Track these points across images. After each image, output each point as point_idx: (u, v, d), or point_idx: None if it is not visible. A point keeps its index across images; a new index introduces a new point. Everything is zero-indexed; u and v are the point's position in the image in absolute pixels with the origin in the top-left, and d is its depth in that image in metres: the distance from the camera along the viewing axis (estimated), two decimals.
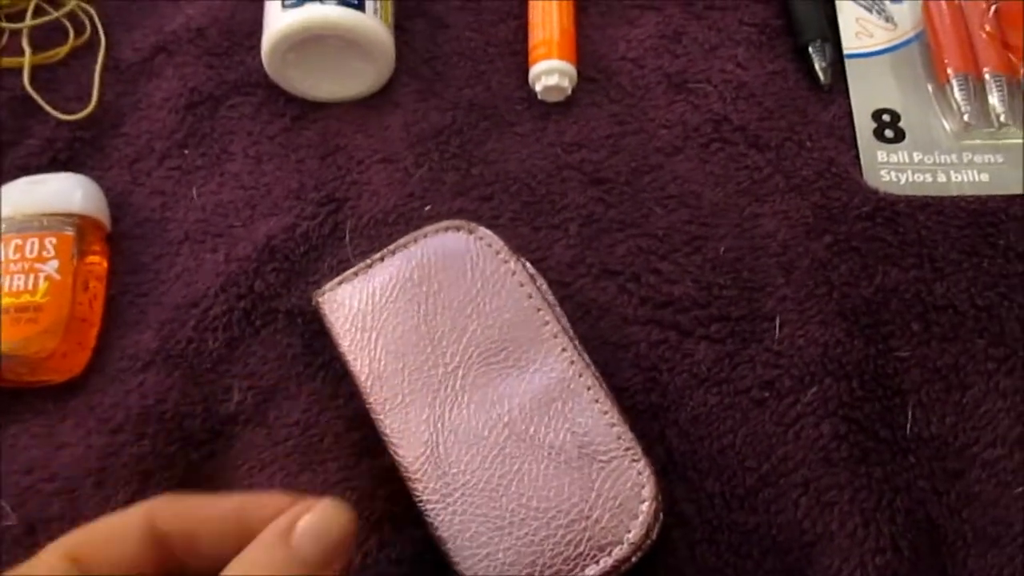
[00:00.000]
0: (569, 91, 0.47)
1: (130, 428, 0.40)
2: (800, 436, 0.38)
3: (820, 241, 0.42)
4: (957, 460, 0.38)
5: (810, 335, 0.40)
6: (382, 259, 0.40)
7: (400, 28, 0.50)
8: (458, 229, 0.40)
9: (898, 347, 0.40)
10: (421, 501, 0.36)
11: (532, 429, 0.36)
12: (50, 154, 0.47)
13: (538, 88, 0.47)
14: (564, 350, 0.38)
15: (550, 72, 0.46)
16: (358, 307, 0.39)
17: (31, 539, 0.38)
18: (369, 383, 0.38)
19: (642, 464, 0.35)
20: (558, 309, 0.40)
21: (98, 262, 0.44)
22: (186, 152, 0.47)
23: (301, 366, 0.41)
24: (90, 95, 0.48)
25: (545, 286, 0.40)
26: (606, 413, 0.36)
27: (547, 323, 0.38)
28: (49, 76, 0.50)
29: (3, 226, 0.43)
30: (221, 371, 0.41)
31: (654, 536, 0.35)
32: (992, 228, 0.42)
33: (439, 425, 0.37)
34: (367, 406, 0.38)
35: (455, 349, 0.38)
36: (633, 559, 0.35)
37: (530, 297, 0.39)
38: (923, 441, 0.38)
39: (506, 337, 0.38)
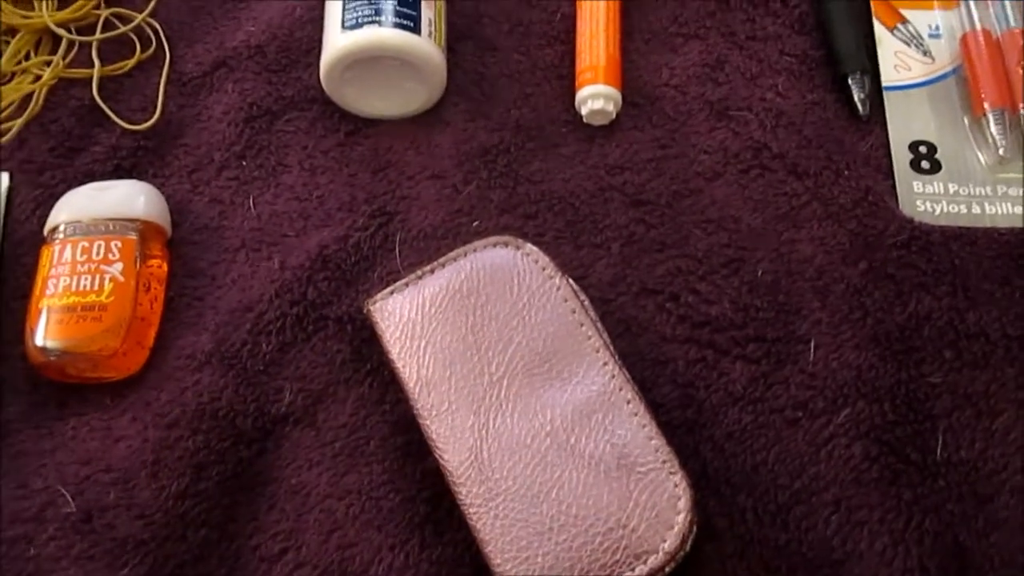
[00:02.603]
0: (613, 115, 0.48)
1: (185, 424, 0.41)
2: (832, 456, 0.39)
3: (855, 267, 0.43)
4: (986, 485, 0.39)
5: (844, 358, 0.41)
6: (432, 271, 0.42)
7: (451, 50, 0.52)
8: (506, 245, 0.42)
9: (930, 373, 0.41)
10: (464, 504, 0.37)
11: (573, 439, 0.38)
12: (114, 162, 0.50)
13: (584, 111, 0.48)
14: (605, 364, 0.39)
15: (596, 96, 0.48)
16: (408, 316, 0.41)
17: (88, 526, 0.39)
18: (417, 389, 0.40)
19: (679, 476, 0.36)
20: (599, 325, 0.41)
21: (159, 265, 0.46)
22: (244, 163, 0.49)
23: (350, 371, 0.43)
24: (154, 106, 0.51)
25: (587, 302, 0.42)
26: (644, 426, 0.38)
27: (589, 338, 0.40)
28: (115, 87, 0.52)
29: (70, 229, 0.45)
30: (273, 373, 0.43)
31: (688, 547, 0.36)
32: None
33: (483, 432, 0.38)
34: (414, 411, 0.39)
35: (500, 360, 0.39)
36: (667, 569, 0.36)
37: (573, 312, 0.40)
38: (953, 465, 0.39)
39: (549, 349, 0.39)
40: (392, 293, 0.42)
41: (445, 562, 0.39)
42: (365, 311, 0.42)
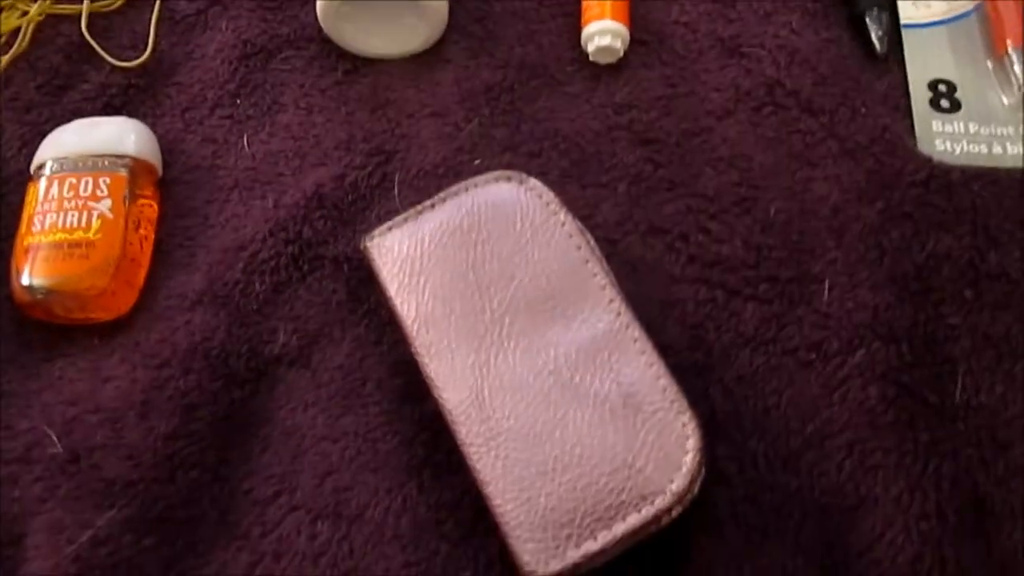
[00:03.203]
0: (621, 53, 0.47)
1: (176, 364, 0.40)
2: (846, 399, 0.38)
3: (872, 206, 0.42)
4: (1006, 430, 0.37)
5: (859, 299, 0.40)
6: (432, 206, 0.40)
7: None
8: (509, 180, 0.40)
9: (949, 314, 0.39)
10: (464, 445, 0.36)
11: (577, 378, 0.36)
12: (104, 100, 0.48)
13: (590, 49, 0.47)
14: (612, 301, 0.37)
15: (603, 33, 0.46)
16: (407, 252, 0.39)
17: (74, 467, 0.38)
18: (416, 327, 0.38)
19: (687, 416, 0.35)
20: (605, 263, 0.39)
21: (149, 205, 0.44)
22: (238, 102, 0.48)
23: (346, 312, 0.42)
24: (145, 44, 0.49)
25: (592, 241, 0.40)
26: (652, 365, 0.36)
27: (595, 275, 0.38)
28: (105, 24, 0.50)
29: (56, 166, 0.43)
30: (267, 313, 0.42)
31: (696, 489, 0.35)
32: None
33: (484, 370, 0.37)
34: (412, 350, 0.38)
35: (503, 297, 0.38)
36: (674, 512, 0.34)
37: (579, 249, 0.39)
38: (972, 409, 0.38)
39: (554, 287, 0.38)
40: (390, 229, 0.40)
41: (444, 506, 0.37)
42: (362, 248, 0.40)
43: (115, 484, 0.38)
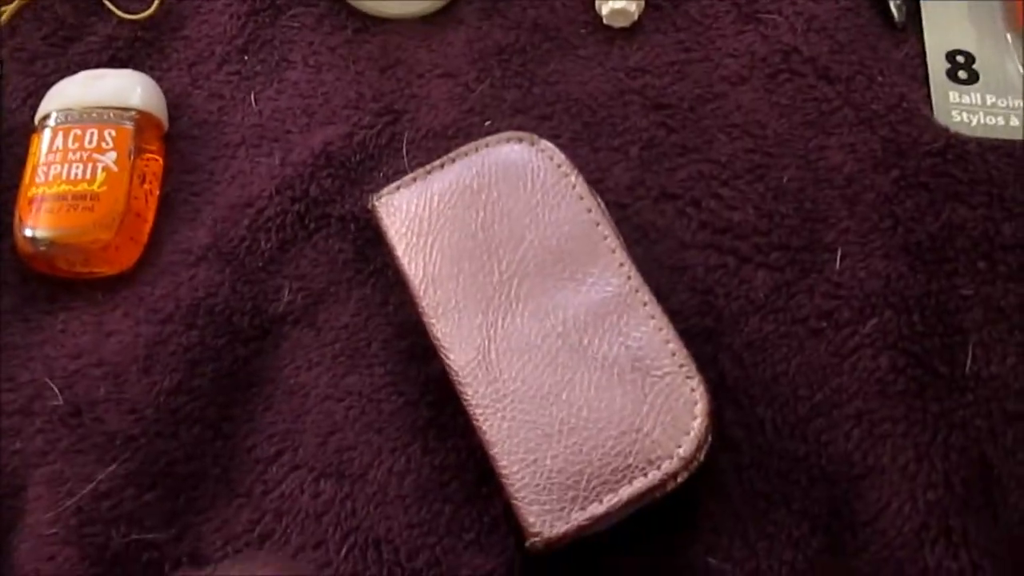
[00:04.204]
0: (635, 16, 0.46)
1: (179, 319, 0.40)
2: (856, 367, 0.38)
3: (887, 175, 0.41)
4: (1016, 401, 0.37)
5: (872, 268, 0.39)
6: (442, 166, 0.40)
7: None
8: (520, 140, 0.40)
9: (962, 284, 0.39)
10: (469, 406, 0.35)
11: (586, 340, 0.36)
12: (110, 52, 0.47)
13: (604, 12, 0.46)
14: (622, 265, 0.37)
15: None
16: (415, 212, 0.39)
17: (76, 420, 0.38)
18: (423, 287, 0.38)
19: (696, 381, 0.35)
20: (616, 227, 0.39)
21: (154, 159, 0.44)
22: (246, 58, 0.47)
23: (352, 271, 0.41)
24: None
25: (603, 204, 0.40)
26: (661, 329, 0.36)
27: (606, 237, 0.38)
28: None
29: (61, 117, 0.43)
30: (272, 271, 0.41)
31: (703, 456, 0.35)
32: None
33: (492, 332, 0.36)
34: (419, 310, 0.37)
35: (512, 258, 0.38)
36: (680, 478, 0.34)
37: (589, 211, 0.38)
38: (982, 380, 0.37)
39: (563, 248, 0.37)
40: (399, 188, 0.40)
41: (448, 467, 0.37)
42: (370, 207, 0.40)
43: (117, 438, 0.37)
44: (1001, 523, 0.35)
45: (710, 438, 0.34)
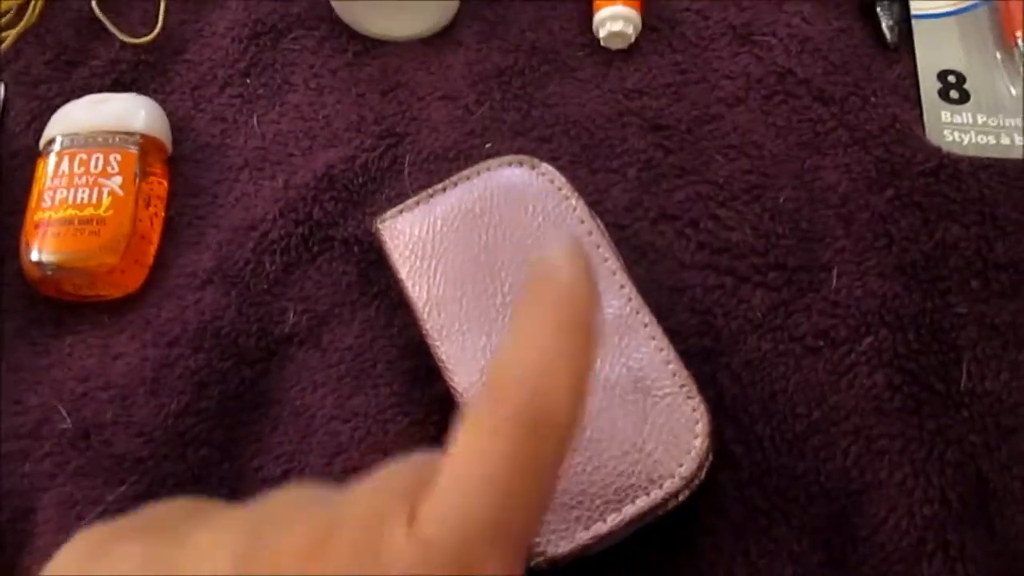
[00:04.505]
0: (632, 38, 0.47)
1: (186, 342, 0.40)
2: (853, 385, 0.38)
3: (881, 195, 0.42)
4: (1011, 417, 0.38)
5: (868, 286, 0.40)
6: (444, 190, 0.40)
7: None
8: (521, 164, 0.40)
9: (956, 303, 0.39)
10: None
11: None
12: (113, 76, 0.48)
13: (601, 34, 0.47)
14: (622, 287, 0.38)
15: (615, 18, 0.46)
16: (419, 235, 0.39)
17: (85, 443, 0.38)
18: (427, 309, 0.38)
19: (697, 401, 0.35)
20: (616, 249, 0.40)
21: (159, 182, 0.44)
22: (248, 81, 0.48)
23: (356, 293, 0.42)
24: (155, 20, 0.49)
25: (603, 226, 0.40)
26: (662, 350, 0.36)
27: (606, 260, 0.38)
28: None
29: (67, 141, 0.43)
30: (277, 293, 0.42)
31: (703, 474, 0.35)
32: None
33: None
34: (423, 333, 0.38)
35: (514, 280, 0.38)
36: (681, 496, 0.35)
37: (590, 234, 0.39)
38: (977, 397, 0.38)
39: None
40: (402, 212, 0.40)
41: None
42: (374, 229, 0.40)
43: (125, 460, 0.38)
44: (997, 537, 0.36)
45: (711, 456, 0.35)
